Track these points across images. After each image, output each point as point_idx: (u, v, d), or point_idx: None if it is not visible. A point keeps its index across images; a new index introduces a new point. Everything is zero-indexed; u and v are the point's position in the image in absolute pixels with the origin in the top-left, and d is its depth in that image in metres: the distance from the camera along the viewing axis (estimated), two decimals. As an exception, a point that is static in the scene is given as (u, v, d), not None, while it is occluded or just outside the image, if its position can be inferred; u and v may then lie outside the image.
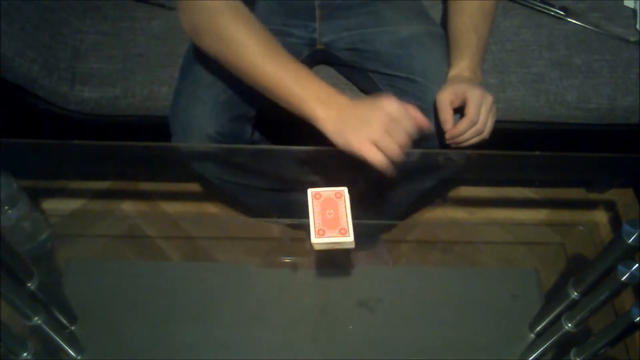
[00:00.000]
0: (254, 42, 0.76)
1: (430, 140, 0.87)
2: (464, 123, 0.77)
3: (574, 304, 0.76)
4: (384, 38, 0.93)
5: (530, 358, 0.83)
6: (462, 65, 0.84)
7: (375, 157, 0.71)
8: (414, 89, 0.88)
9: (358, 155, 0.72)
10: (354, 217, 0.70)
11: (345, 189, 0.73)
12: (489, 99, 0.79)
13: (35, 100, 1.02)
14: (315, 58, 1.01)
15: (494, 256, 1.06)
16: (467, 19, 0.87)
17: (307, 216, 0.71)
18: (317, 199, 0.72)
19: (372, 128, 0.71)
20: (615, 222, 1.01)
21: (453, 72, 0.85)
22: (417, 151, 0.93)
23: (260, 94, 0.79)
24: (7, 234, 0.82)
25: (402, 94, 0.90)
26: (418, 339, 0.87)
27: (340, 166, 0.74)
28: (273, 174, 0.95)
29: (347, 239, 0.69)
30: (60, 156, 0.90)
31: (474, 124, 0.77)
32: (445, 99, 0.79)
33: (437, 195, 1.29)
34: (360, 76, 0.99)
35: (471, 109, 0.77)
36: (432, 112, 0.85)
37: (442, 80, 0.86)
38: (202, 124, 0.85)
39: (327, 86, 0.76)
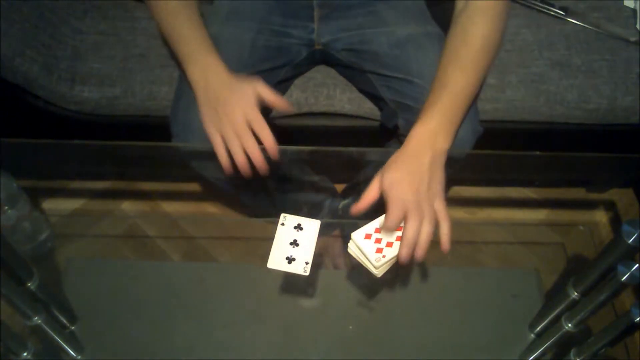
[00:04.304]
0: None
1: None
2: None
3: (574, 304, 0.76)
4: (382, 39, 0.93)
5: (530, 358, 0.83)
6: (421, 131, 0.72)
7: (218, 150, 0.77)
8: (411, 90, 0.88)
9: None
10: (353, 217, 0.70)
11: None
12: (424, 210, 0.66)
13: (35, 100, 1.02)
14: (314, 58, 1.01)
15: (494, 256, 1.05)
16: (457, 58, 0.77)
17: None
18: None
19: (222, 123, 0.76)
20: (615, 222, 1.01)
21: (409, 139, 0.72)
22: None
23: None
24: (7, 234, 0.82)
25: (399, 96, 0.90)
26: (418, 339, 0.87)
27: (340, 166, 0.74)
28: (272, 174, 0.95)
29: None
30: (60, 156, 0.90)
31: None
32: (375, 188, 0.70)
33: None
34: (359, 77, 0.99)
35: (387, 221, 0.66)
36: None
37: None
38: (202, 125, 0.85)
39: (213, 55, 0.80)
